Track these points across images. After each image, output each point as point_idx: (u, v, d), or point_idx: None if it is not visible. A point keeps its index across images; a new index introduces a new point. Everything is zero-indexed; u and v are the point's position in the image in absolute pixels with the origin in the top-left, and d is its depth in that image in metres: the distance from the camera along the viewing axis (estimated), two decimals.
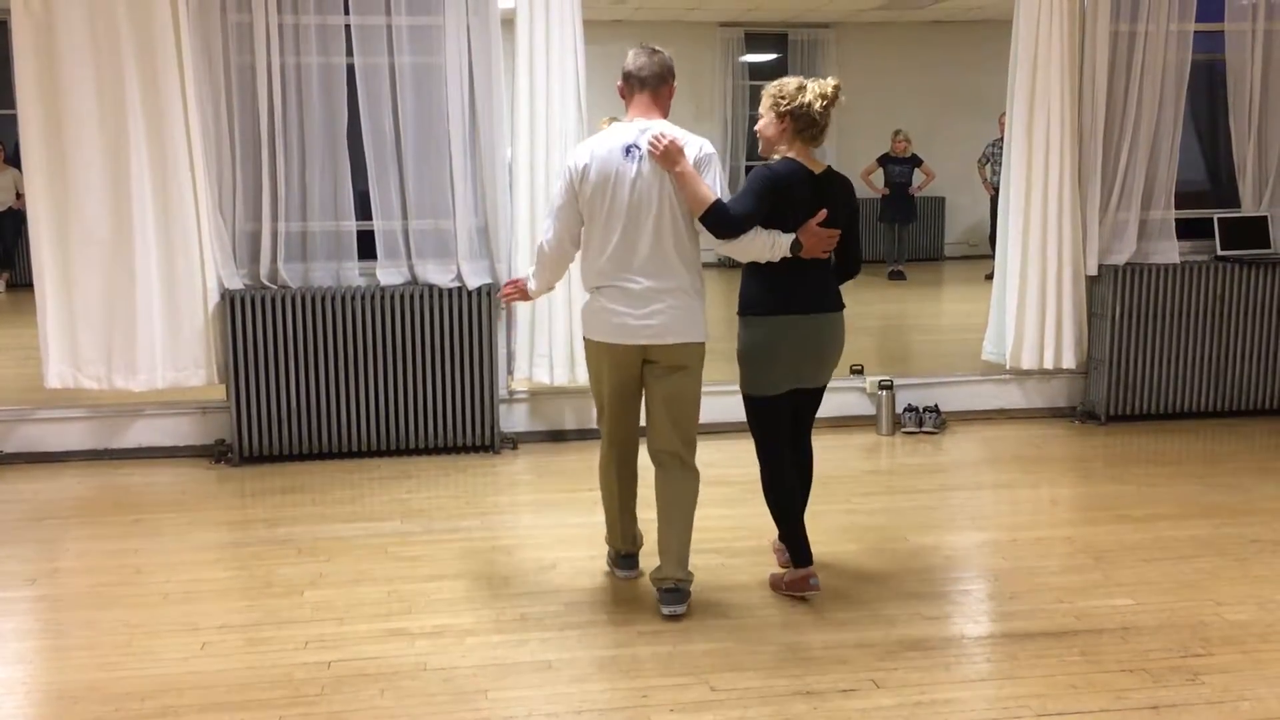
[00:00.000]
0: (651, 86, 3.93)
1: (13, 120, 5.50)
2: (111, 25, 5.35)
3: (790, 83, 4.02)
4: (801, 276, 3.95)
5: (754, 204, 3.87)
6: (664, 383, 3.93)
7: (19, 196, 12.05)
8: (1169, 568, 4.28)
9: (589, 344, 4.03)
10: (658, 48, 4.00)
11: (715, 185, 3.83)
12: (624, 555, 4.25)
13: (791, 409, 4.09)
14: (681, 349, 3.89)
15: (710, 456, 4.89)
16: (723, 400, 6.25)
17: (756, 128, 4.10)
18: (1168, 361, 6.48)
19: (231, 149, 5.66)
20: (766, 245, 3.85)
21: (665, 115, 3.96)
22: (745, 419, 4.10)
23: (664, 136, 3.78)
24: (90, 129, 5.42)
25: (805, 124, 3.98)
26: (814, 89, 3.99)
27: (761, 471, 4.09)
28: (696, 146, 3.84)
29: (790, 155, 4.01)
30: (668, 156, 3.76)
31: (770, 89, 4.03)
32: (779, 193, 3.89)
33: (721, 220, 3.80)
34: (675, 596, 3.86)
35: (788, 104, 3.97)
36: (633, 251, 3.82)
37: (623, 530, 4.22)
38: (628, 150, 3.82)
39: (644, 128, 3.85)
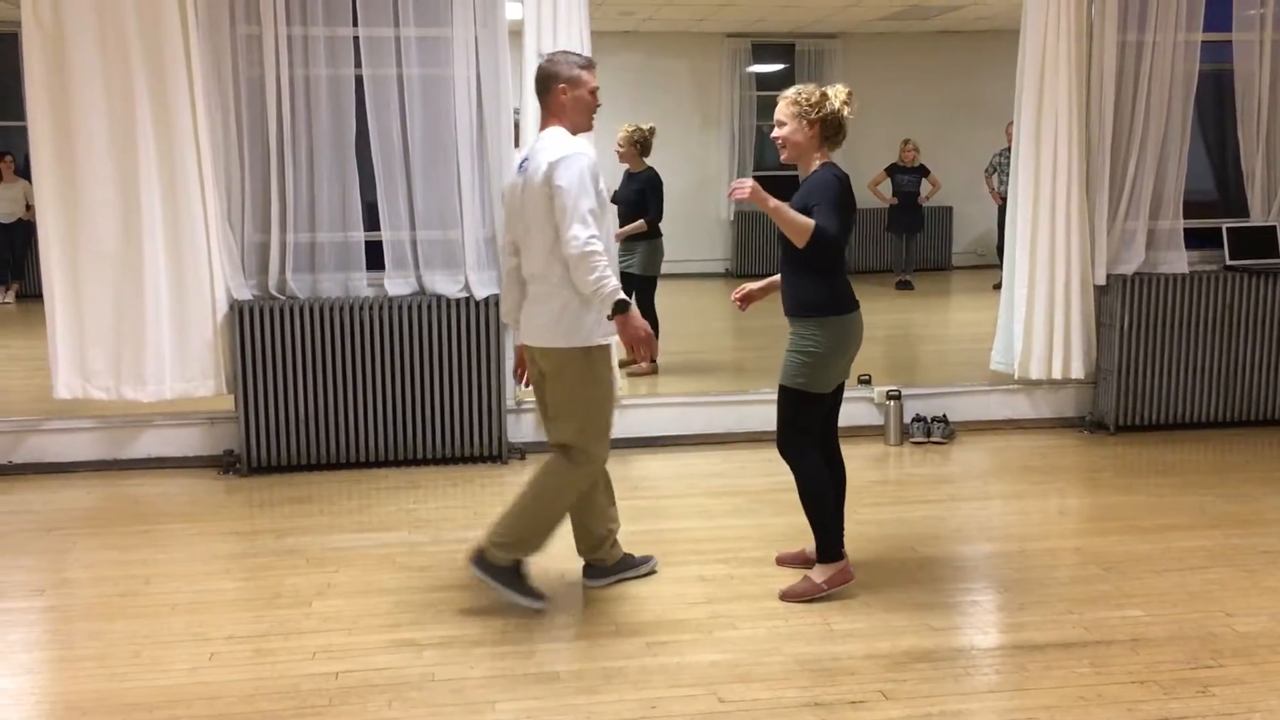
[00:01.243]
0: (540, 97, 3.96)
1: (23, 132, 5.52)
2: (121, 37, 5.38)
3: (812, 90, 4.03)
4: (846, 274, 4.06)
5: (841, 215, 3.94)
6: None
7: (29, 208, 12.09)
8: (1179, 579, 4.26)
9: (604, 350, 3.97)
10: (551, 55, 4.02)
11: (579, 200, 3.71)
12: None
13: (826, 409, 4.18)
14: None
15: (717, 467, 4.92)
16: (732, 410, 6.27)
17: (780, 135, 4.05)
18: (1177, 371, 6.46)
19: (240, 160, 5.69)
20: (595, 279, 3.72)
21: (565, 122, 3.91)
22: (787, 422, 4.10)
23: (743, 185, 3.79)
24: (100, 141, 5.44)
25: (834, 130, 4.04)
26: (836, 94, 4.03)
27: (807, 478, 4.10)
28: (555, 154, 3.76)
29: (829, 161, 4.06)
30: (756, 197, 3.80)
31: (794, 97, 4.02)
32: (850, 198, 4.01)
33: (827, 244, 3.86)
34: (477, 560, 3.97)
35: (817, 111, 3.99)
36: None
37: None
38: (520, 165, 3.96)
39: (538, 144, 3.89)
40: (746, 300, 4.33)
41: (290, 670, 3.55)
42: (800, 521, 4.45)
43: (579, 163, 3.76)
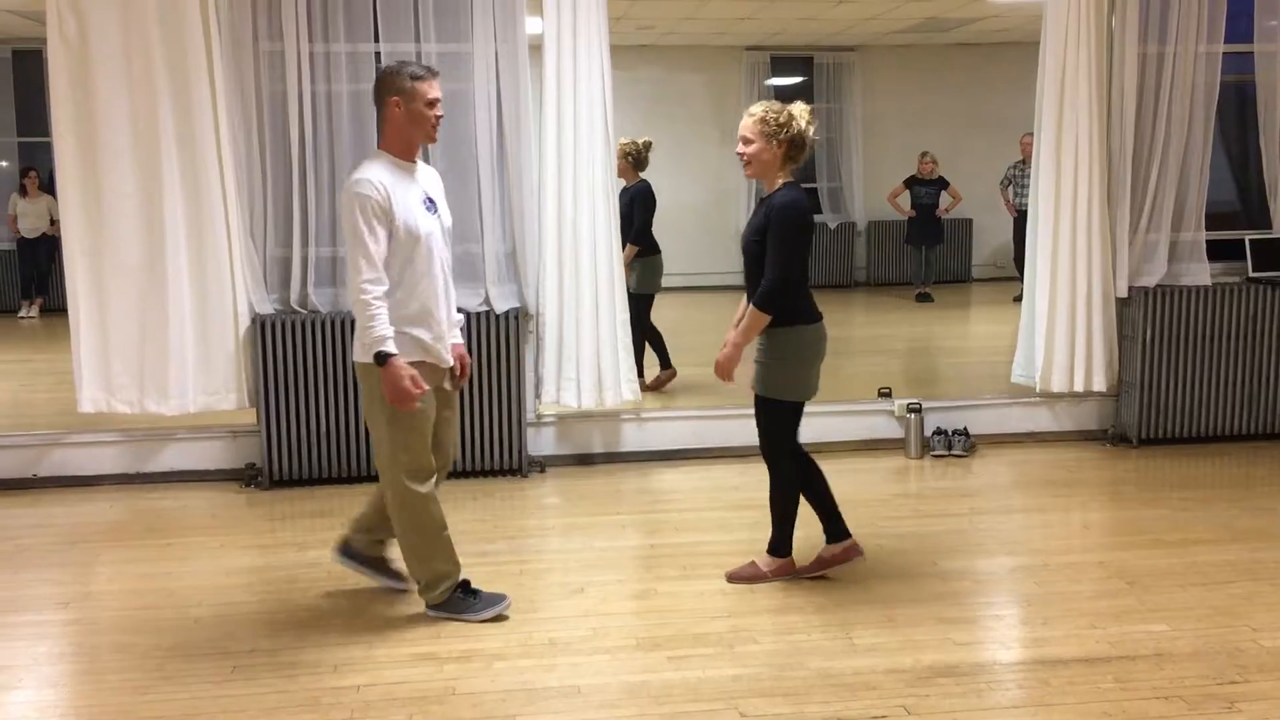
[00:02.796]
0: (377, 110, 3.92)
1: (48, 147, 5.58)
2: (145, 54, 5.43)
3: (779, 109, 4.14)
4: (808, 287, 4.23)
5: (794, 250, 4.08)
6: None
7: (53, 222, 12.21)
8: (1204, 593, 4.23)
9: (423, 366, 3.92)
10: (387, 65, 3.99)
11: (351, 242, 3.71)
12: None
13: (800, 416, 4.37)
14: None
15: (735, 480, 4.92)
16: (749, 423, 6.26)
17: (747, 153, 4.15)
18: (1200, 384, 6.41)
19: (263, 175, 5.73)
20: (365, 328, 3.73)
21: (394, 140, 3.85)
22: (766, 430, 4.27)
23: (722, 369, 4.16)
24: (124, 156, 5.49)
25: (798, 149, 4.15)
26: (801, 114, 4.13)
27: (784, 481, 4.30)
28: (348, 185, 3.77)
29: (790, 181, 4.15)
30: (732, 363, 4.18)
31: (761, 115, 4.12)
32: (808, 219, 4.12)
33: (779, 292, 4.06)
34: (429, 608, 4.07)
35: (785, 132, 4.10)
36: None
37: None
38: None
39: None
40: (729, 374, 4.32)
41: (312, 683, 3.56)
42: (811, 534, 4.49)
43: (350, 204, 3.72)
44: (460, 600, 4.05)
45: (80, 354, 5.59)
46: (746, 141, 4.14)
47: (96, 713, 3.41)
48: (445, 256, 4.01)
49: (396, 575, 4.31)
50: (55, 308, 12.00)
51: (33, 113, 12.84)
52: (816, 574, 4.39)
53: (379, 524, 4.24)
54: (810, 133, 4.14)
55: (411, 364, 3.82)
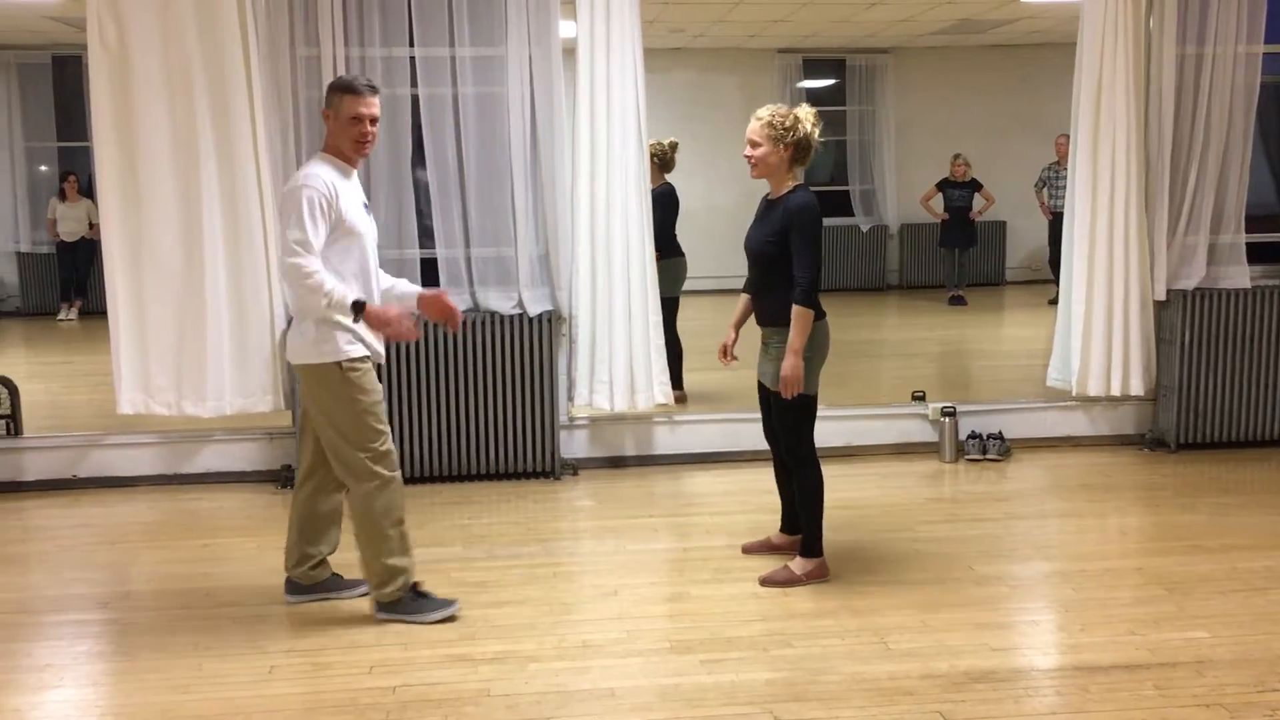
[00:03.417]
0: None
1: (87, 152, 5.65)
2: (184, 60, 5.49)
3: (786, 112, 4.25)
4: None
5: (815, 251, 4.20)
6: None
7: (92, 226, 12.36)
8: (1244, 600, 4.18)
9: (365, 363, 4.00)
10: (337, 76, 4.13)
11: (290, 228, 3.79)
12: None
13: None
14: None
15: (768, 484, 4.89)
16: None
17: (754, 156, 4.27)
18: (1239, 388, 6.34)
19: None
20: (323, 295, 3.79)
21: (327, 148, 3.98)
22: (790, 428, 4.36)
23: (793, 383, 4.19)
24: (163, 161, 5.55)
25: (804, 152, 4.27)
26: (806, 117, 4.24)
27: (813, 473, 4.39)
28: (289, 183, 3.92)
29: (801, 184, 4.29)
30: (795, 373, 4.21)
31: (769, 119, 4.23)
32: (821, 222, 4.26)
33: (813, 296, 4.19)
34: (377, 609, 4.09)
35: (792, 135, 4.21)
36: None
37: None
38: None
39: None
40: (730, 346, 4.63)
41: (348, 684, 3.58)
42: (846, 539, 4.49)
43: (295, 195, 3.83)
44: (410, 602, 4.07)
45: (119, 356, 5.65)
46: (754, 144, 4.26)
47: (136, 711, 3.45)
48: (377, 261, 4.16)
49: (352, 583, 4.33)
50: (94, 310, 12.14)
51: (72, 118, 13.02)
52: (764, 554, 4.65)
53: (306, 547, 4.25)
54: (815, 135, 4.27)
55: (352, 361, 3.92)
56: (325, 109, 3.98)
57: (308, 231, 3.79)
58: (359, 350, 3.97)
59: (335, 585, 4.30)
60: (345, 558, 4.35)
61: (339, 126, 3.93)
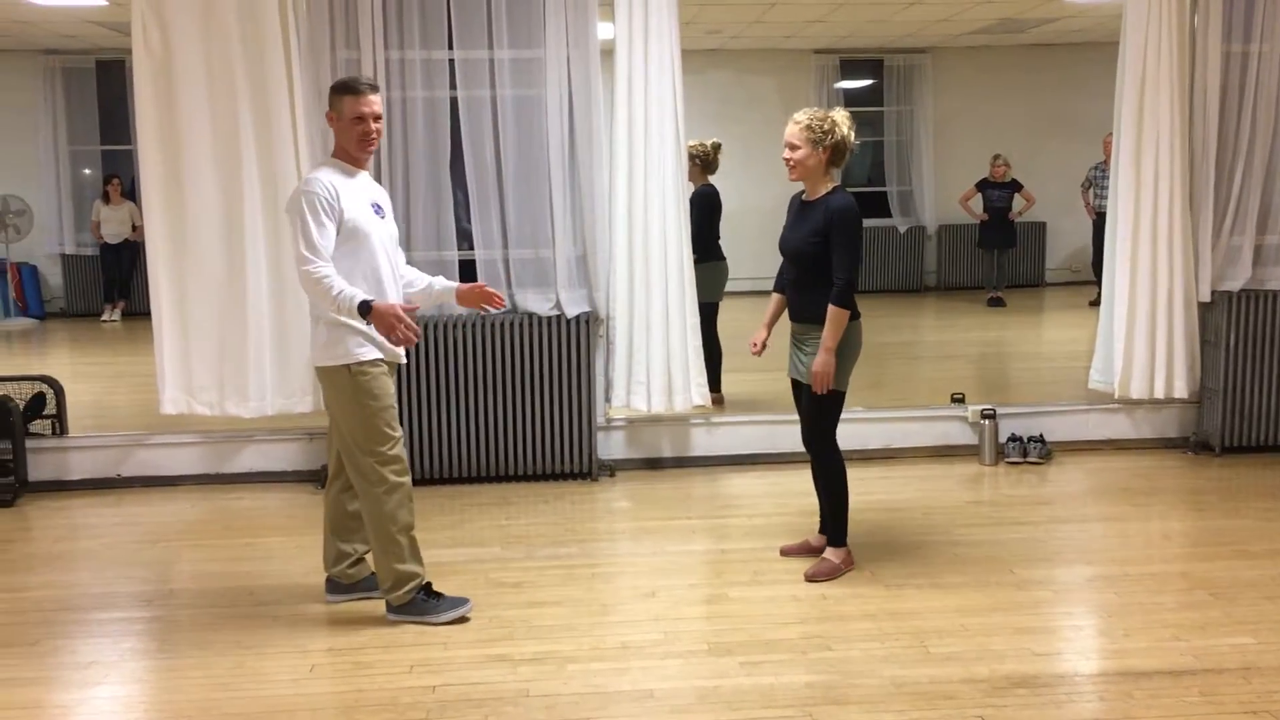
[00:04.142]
0: None
1: (129, 155, 5.72)
2: (227, 63, 5.54)
3: (823, 115, 4.34)
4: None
5: (856, 251, 4.30)
6: None
7: (134, 228, 12.52)
8: None
9: (378, 366, 4.01)
10: (337, 78, 4.13)
11: (296, 231, 3.83)
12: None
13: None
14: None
15: (804, 485, 4.88)
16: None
17: (793, 159, 4.34)
18: None
19: None
20: (332, 299, 3.81)
21: (338, 149, 4.02)
22: (816, 420, 4.44)
23: (824, 378, 4.28)
24: (205, 163, 5.60)
25: (840, 154, 4.35)
26: (842, 120, 4.33)
27: (836, 463, 4.49)
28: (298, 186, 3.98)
29: (839, 186, 4.38)
30: (828, 368, 4.28)
31: (807, 122, 4.31)
32: (861, 223, 4.33)
33: (851, 296, 4.26)
34: (389, 610, 4.11)
35: (830, 137, 4.30)
36: None
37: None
38: None
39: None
40: (762, 343, 4.70)
41: (389, 683, 3.60)
42: (885, 541, 4.46)
43: (297, 199, 3.87)
44: (423, 603, 4.09)
45: (162, 357, 5.72)
46: (793, 147, 4.34)
47: (179, 708, 3.48)
48: (397, 260, 4.17)
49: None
50: (137, 311, 12.30)
51: (115, 121, 13.19)
52: (802, 557, 4.65)
53: (340, 545, 4.29)
54: (852, 138, 4.35)
55: (362, 364, 3.94)
56: (328, 111, 4.01)
57: (314, 234, 3.83)
58: (370, 353, 3.97)
59: (374, 584, 4.32)
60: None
61: (343, 127, 3.97)
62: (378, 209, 4.09)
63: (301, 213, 3.84)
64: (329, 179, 3.91)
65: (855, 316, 4.35)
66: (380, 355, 4.01)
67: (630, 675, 3.64)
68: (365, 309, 3.81)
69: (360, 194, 4.02)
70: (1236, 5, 6.10)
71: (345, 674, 3.68)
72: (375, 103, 3.97)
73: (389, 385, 4.04)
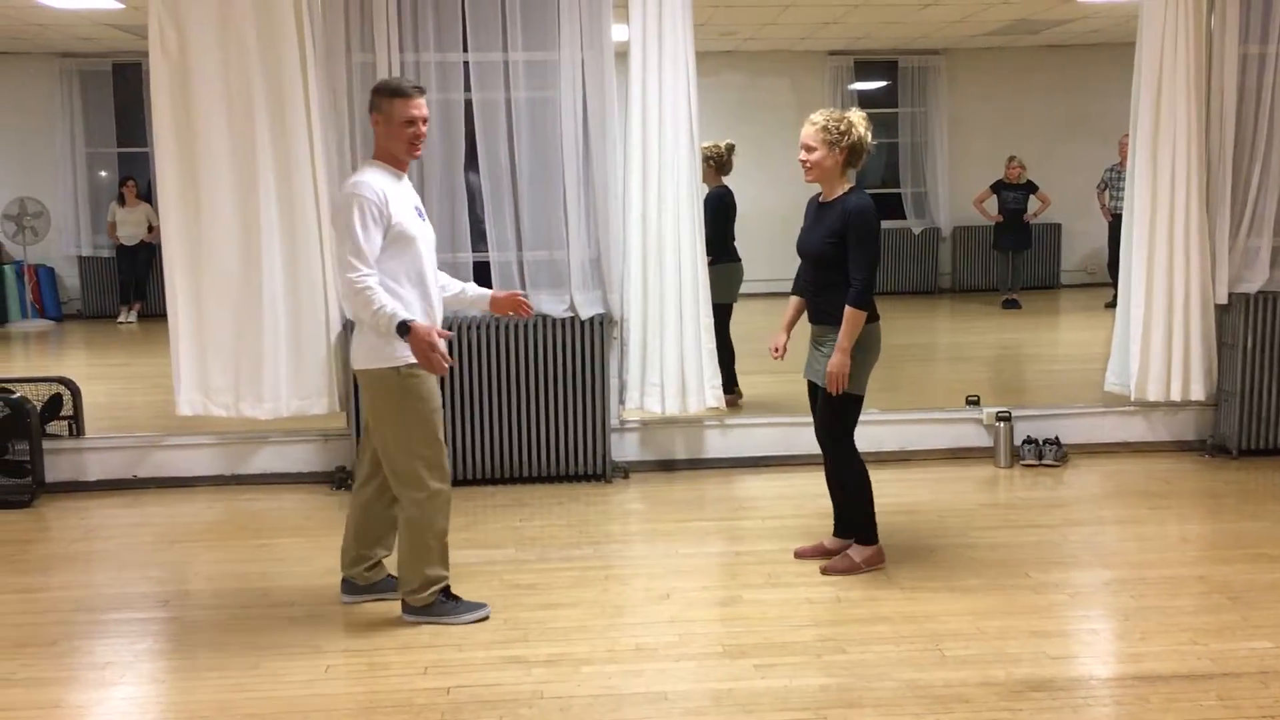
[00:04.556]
0: None
1: (145, 157, 5.75)
2: (243, 67, 5.57)
3: (839, 116, 4.34)
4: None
5: (873, 252, 4.30)
6: None
7: (150, 230, 12.58)
8: None
9: (415, 371, 3.96)
10: (382, 79, 4.12)
11: (344, 237, 3.81)
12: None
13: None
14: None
15: (819, 488, 4.87)
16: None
17: (810, 160, 4.34)
18: None
19: None
20: (372, 312, 3.82)
21: (382, 152, 3.99)
22: (832, 422, 4.44)
23: (838, 379, 4.28)
24: (222, 166, 5.63)
25: (857, 155, 4.36)
26: (859, 121, 4.33)
27: (855, 469, 4.48)
28: (340, 191, 3.96)
29: (855, 186, 4.39)
30: (842, 370, 4.28)
31: (824, 124, 4.32)
32: (879, 224, 4.35)
33: (867, 297, 4.26)
34: (404, 610, 4.12)
35: (846, 139, 4.31)
36: None
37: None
38: None
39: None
40: (782, 347, 4.66)
41: (403, 684, 3.61)
42: (900, 543, 4.46)
43: (347, 203, 3.84)
44: (441, 605, 4.10)
45: (178, 358, 5.74)
46: (809, 149, 4.34)
47: (195, 708, 3.50)
48: (434, 265, 4.16)
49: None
50: (153, 313, 12.35)
51: (131, 124, 13.25)
52: (816, 559, 4.63)
53: (362, 549, 4.30)
54: (869, 138, 4.35)
55: (411, 367, 3.91)
56: (373, 114, 3.97)
57: (360, 241, 3.81)
58: (407, 354, 3.96)
59: (390, 586, 4.33)
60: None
61: (390, 131, 3.94)
62: (420, 213, 4.10)
63: (351, 218, 3.81)
64: (380, 183, 3.89)
65: (874, 319, 4.36)
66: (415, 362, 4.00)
67: (644, 677, 3.63)
68: (404, 329, 3.81)
69: (406, 198, 4.02)
70: (1254, 6, 6.08)
71: (360, 675, 3.69)
72: (424, 105, 3.97)
73: (436, 388, 4.04)
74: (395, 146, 3.97)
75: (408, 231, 3.94)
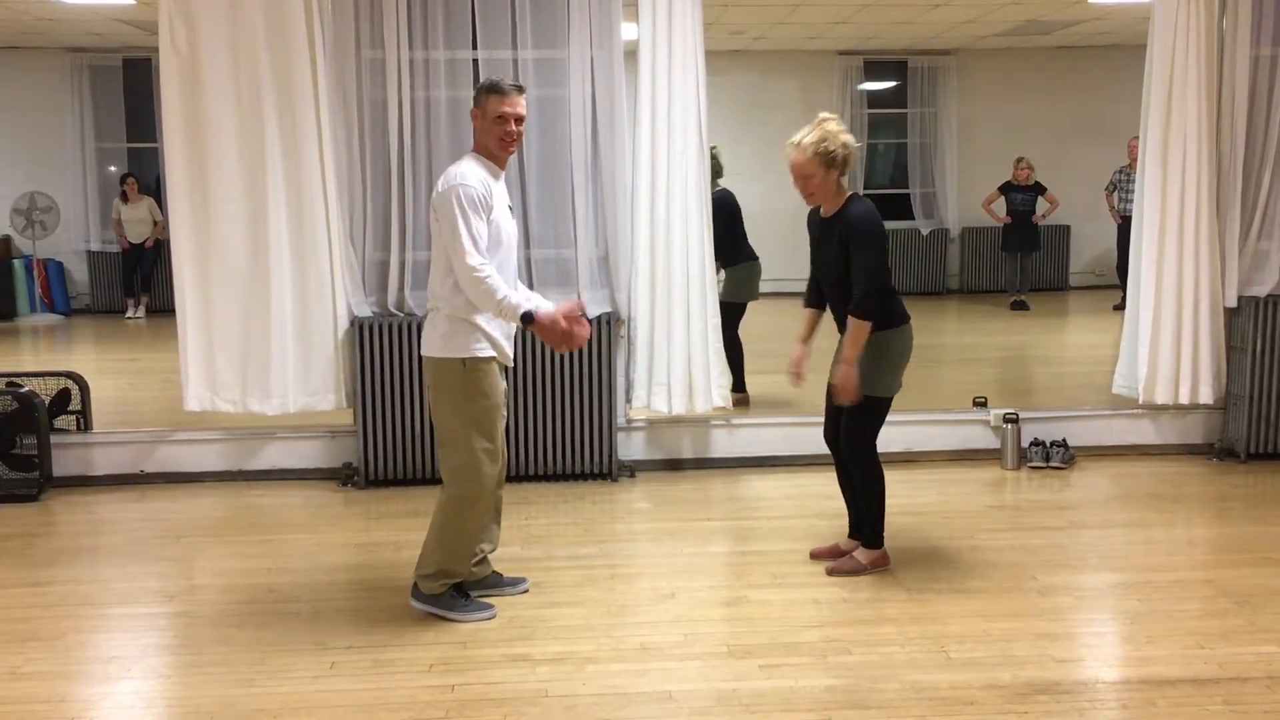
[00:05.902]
0: None
1: (153, 153, 5.76)
2: (252, 63, 5.57)
3: (824, 134, 4.27)
4: (896, 293, 4.43)
5: (879, 258, 4.28)
6: None
7: (155, 224, 12.61)
8: None
9: (483, 364, 4.00)
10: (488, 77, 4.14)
11: (456, 229, 3.82)
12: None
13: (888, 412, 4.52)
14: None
15: (829, 488, 4.87)
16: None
17: (811, 188, 4.31)
18: None
19: (363, 181, 5.84)
20: (496, 303, 3.85)
21: (476, 147, 4.05)
22: (855, 425, 4.41)
23: (847, 391, 4.26)
24: (231, 162, 5.64)
25: (846, 167, 4.34)
26: (839, 129, 4.31)
27: (875, 471, 4.45)
28: (441, 183, 3.93)
29: (855, 194, 4.38)
30: (852, 379, 4.27)
31: (815, 148, 4.26)
32: (883, 227, 4.32)
33: (873, 298, 4.23)
34: (414, 593, 4.15)
35: (840, 155, 4.28)
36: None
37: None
38: None
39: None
40: (801, 369, 4.61)
41: (408, 681, 3.61)
42: (906, 545, 4.44)
43: (450, 195, 3.86)
44: (451, 599, 4.11)
45: (186, 354, 5.75)
46: (808, 178, 4.30)
47: (200, 703, 3.50)
48: (514, 262, 4.19)
49: (513, 581, 4.39)
50: (161, 308, 12.38)
51: (141, 119, 13.28)
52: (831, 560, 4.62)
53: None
54: (852, 141, 4.33)
55: (477, 360, 3.94)
56: (474, 109, 4.03)
57: (472, 229, 3.85)
58: (486, 351, 4.00)
59: (496, 582, 4.34)
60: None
61: (485, 125, 3.99)
62: (512, 210, 4.15)
63: (461, 210, 3.84)
64: (481, 176, 3.94)
65: (904, 320, 4.36)
66: (494, 354, 4.04)
67: (649, 676, 3.63)
68: (529, 318, 3.85)
69: (502, 193, 4.07)
70: (1266, 8, 6.06)
71: (365, 672, 3.69)
72: (520, 103, 4.00)
73: (501, 385, 4.07)
74: (489, 141, 4.01)
75: (503, 227, 4.00)
